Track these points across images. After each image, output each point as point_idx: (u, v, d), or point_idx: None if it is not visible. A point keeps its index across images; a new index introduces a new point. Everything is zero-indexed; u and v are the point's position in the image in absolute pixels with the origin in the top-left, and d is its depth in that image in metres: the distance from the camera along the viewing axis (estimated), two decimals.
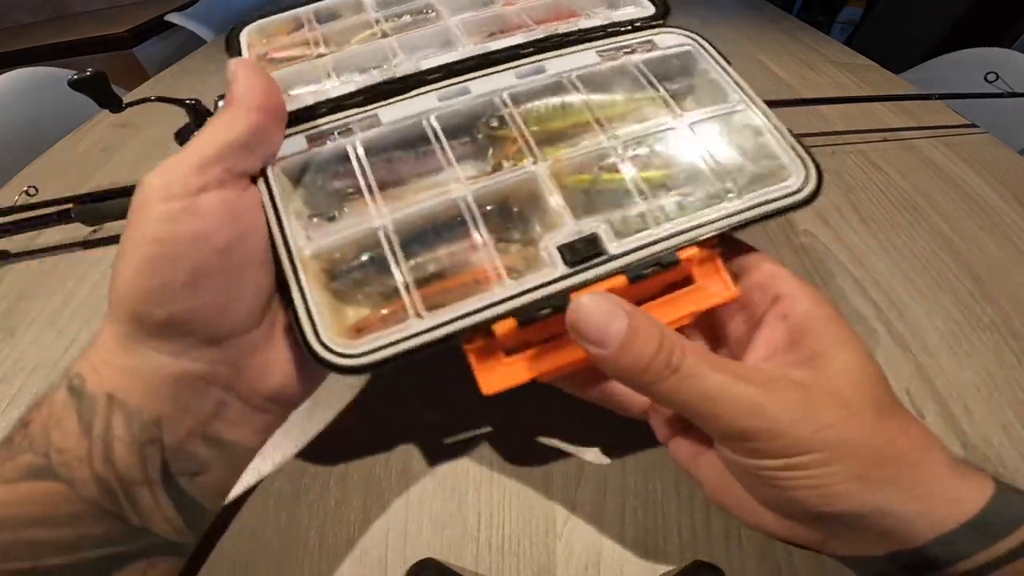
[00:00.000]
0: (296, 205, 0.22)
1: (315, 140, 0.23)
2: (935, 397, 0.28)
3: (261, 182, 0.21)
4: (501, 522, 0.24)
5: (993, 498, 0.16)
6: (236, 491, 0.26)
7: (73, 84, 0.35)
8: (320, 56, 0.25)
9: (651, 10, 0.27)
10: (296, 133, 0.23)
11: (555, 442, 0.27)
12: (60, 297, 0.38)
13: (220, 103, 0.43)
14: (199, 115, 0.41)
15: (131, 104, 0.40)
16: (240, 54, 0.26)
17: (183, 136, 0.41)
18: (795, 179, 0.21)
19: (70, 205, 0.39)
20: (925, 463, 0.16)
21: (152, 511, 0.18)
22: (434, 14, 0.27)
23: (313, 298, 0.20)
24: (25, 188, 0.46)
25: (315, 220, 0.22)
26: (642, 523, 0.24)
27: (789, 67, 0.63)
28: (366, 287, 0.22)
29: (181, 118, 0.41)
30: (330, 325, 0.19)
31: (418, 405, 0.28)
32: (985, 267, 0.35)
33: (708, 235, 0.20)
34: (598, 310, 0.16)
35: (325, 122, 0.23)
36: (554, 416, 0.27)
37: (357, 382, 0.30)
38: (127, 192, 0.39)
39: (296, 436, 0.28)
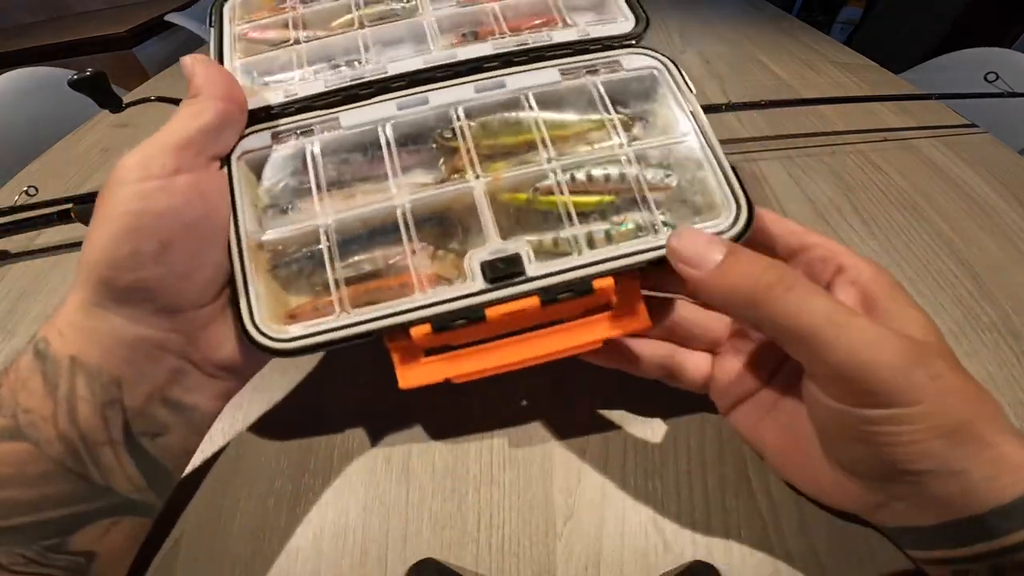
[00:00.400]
0: (255, 196, 0.24)
1: (279, 137, 0.24)
2: None
3: (226, 172, 0.23)
4: (501, 522, 0.24)
5: None
6: (236, 491, 0.26)
7: (73, 84, 0.35)
8: (296, 43, 0.26)
9: (630, 24, 0.26)
10: (263, 129, 0.24)
11: (555, 442, 0.27)
12: (60, 297, 0.38)
13: None
14: None
15: (131, 104, 0.40)
16: (222, 29, 0.27)
17: None
18: (724, 219, 0.21)
19: (70, 205, 0.39)
20: (996, 424, 0.16)
21: (114, 469, 0.19)
22: (413, 3, 0.28)
23: (253, 283, 0.21)
24: (25, 188, 0.46)
25: (269, 211, 0.24)
26: (642, 523, 0.23)
27: (789, 67, 0.63)
28: (304, 278, 0.23)
29: None
30: (267, 309, 0.21)
31: (419, 406, 0.28)
32: (985, 267, 0.35)
33: (626, 268, 0.20)
34: (698, 236, 0.18)
35: (290, 121, 0.24)
36: (554, 417, 0.27)
37: (360, 383, 0.30)
38: None
39: (296, 437, 0.28)
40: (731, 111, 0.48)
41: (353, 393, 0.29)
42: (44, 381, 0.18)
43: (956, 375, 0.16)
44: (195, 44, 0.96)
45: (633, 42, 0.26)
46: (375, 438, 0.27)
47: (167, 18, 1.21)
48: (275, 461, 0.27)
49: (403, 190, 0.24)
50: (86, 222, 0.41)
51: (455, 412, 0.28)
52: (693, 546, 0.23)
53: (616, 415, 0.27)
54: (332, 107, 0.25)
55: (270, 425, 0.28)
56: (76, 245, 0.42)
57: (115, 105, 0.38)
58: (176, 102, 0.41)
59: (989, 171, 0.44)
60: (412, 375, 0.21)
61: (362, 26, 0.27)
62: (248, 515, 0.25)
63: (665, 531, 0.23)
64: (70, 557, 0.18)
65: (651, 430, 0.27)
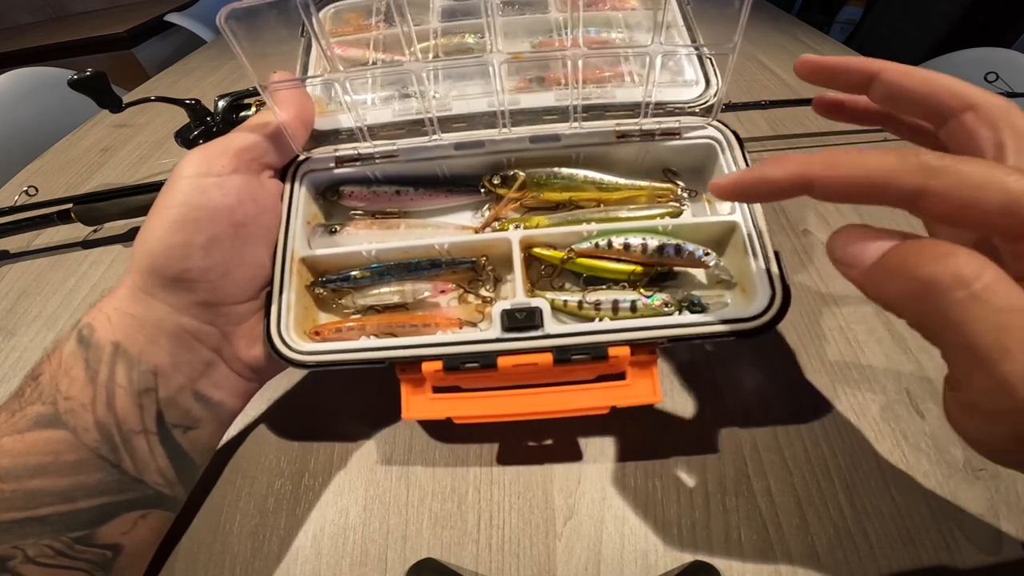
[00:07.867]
0: (309, 213, 0.25)
1: (342, 162, 0.25)
2: (935, 397, 0.28)
3: (287, 187, 0.24)
4: (501, 522, 0.24)
5: None
6: (236, 491, 0.26)
7: (73, 84, 0.35)
8: (373, 64, 0.27)
9: (699, 90, 0.25)
10: (330, 152, 0.25)
11: (555, 442, 0.27)
12: (60, 297, 0.38)
13: (220, 103, 0.43)
14: (199, 115, 0.41)
15: (131, 104, 0.40)
16: (316, 34, 0.27)
17: (183, 136, 0.41)
18: (757, 304, 0.20)
19: (70, 205, 0.39)
20: None
21: (147, 460, 0.20)
22: (485, 38, 0.27)
23: (288, 295, 0.22)
24: (25, 188, 0.46)
25: (319, 230, 0.25)
26: (642, 523, 0.23)
27: (789, 67, 0.63)
28: (337, 299, 0.25)
29: (181, 118, 0.41)
30: (295, 322, 0.22)
31: None
32: None
33: (644, 341, 0.20)
34: (850, 235, 0.14)
35: (354, 147, 0.25)
36: (555, 417, 0.27)
37: (360, 384, 0.30)
38: (127, 192, 0.39)
39: (296, 437, 0.28)
40: (731, 111, 0.48)
41: (353, 393, 0.29)
42: (86, 368, 0.19)
43: None
44: (195, 44, 0.96)
45: (697, 110, 0.24)
46: (375, 438, 0.27)
47: (167, 18, 1.21)
48: (275, 461, 0.27)
49: (445, 230, 0.25)
50: (86, 222, 0.41)
51: None
52: (693, 546, 0.23)
53: (616, 416, 0.27)
54: (395, 138, 0.25)
55: (270, 425, 0.28)
56: (76, 245, 0.42)
57: (115, 105, 0.38)
58: (177, 102, 0.42)
59: None
60: (417, 408, 0.22)
61: (436, 56, 0.27)
62: (248, 515, 0.25)
63: (665, 531, 0.23)
64: (97, 550, 0.19)
65: (651, 430, 0.27)
